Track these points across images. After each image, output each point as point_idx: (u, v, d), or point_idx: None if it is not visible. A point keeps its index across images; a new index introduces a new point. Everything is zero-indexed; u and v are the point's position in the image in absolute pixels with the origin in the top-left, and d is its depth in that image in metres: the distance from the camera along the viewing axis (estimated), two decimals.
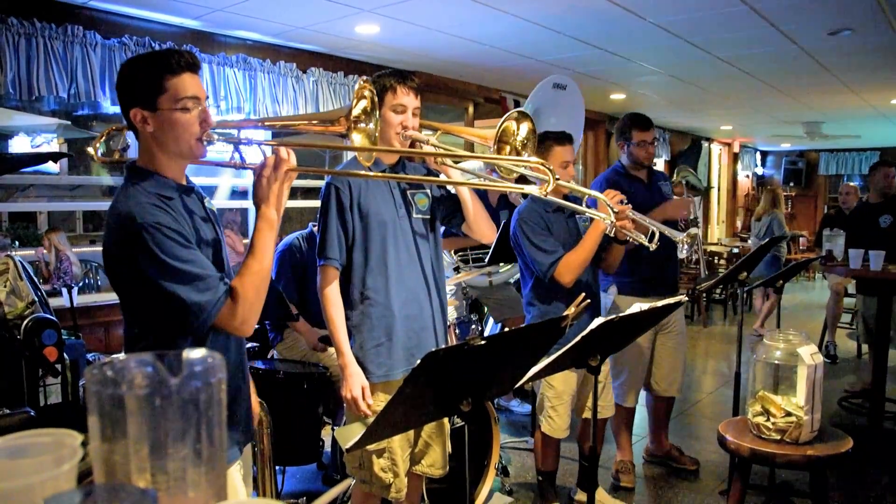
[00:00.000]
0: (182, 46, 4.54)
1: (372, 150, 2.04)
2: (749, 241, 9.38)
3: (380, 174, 2.60)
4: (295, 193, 6.37)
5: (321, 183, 2.82)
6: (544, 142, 3.32)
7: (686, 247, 3.26)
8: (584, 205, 3.19)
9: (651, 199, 3.96)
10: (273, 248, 1.88)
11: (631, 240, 3.15)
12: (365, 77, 2.02)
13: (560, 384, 3.44)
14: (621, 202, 3.06)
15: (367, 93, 1.97)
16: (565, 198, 3.21)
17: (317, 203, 2.68)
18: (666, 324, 4.07)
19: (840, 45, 5.35)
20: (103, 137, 2.23)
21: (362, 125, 1.97)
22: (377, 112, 2.02)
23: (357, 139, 1.97)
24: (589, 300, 2.41)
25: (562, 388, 3.45)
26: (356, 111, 1.94)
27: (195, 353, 0.81)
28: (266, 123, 2.45)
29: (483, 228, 2.77)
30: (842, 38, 5.10)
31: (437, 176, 2.83)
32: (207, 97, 1.89)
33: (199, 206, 1.95)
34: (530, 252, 3.32)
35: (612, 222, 2.86)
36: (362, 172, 2.31)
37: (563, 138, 3.38)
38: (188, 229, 1.82)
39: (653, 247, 3.09)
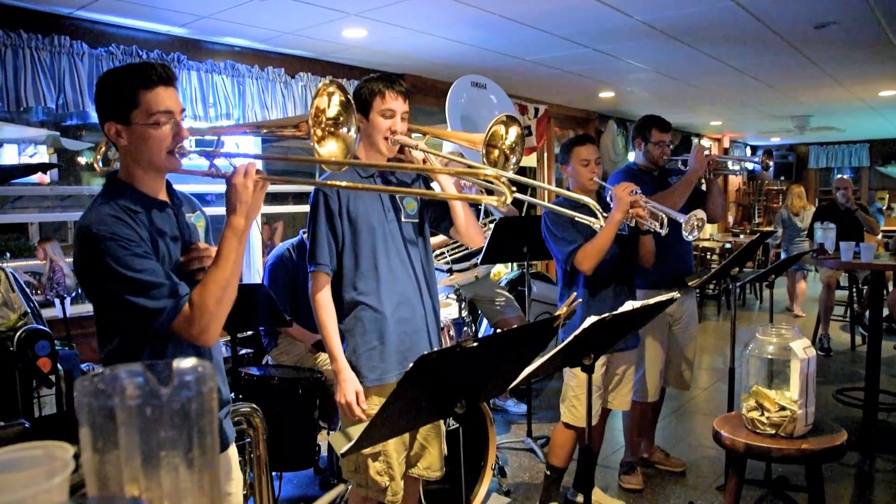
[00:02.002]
0: (170, 54, 4.54)
1: (342, 163, 2.04)
2: (779, 231, 9.41)
3: (355, 185, 2.61)
4: (286, 198, 6.36)
5: (311, 188, 2.82)
6: (566, 145, 3.57)
7: (695, 230, 3.30)
8: (606, 195, 3.40)
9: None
10: (241, 257, 1.90)
11: (647, 227, 3.27)
12: (331, 79, 2.02)
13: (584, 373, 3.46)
14: (634, 192, 3.22)
15: (332, 89, 1.98)
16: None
17: (307, 208, 2.69)
18: (679, 318, 4.08)
19: (827, 39, 5.36)
20: (102, 148, 2.26)
21: (343, 130, 1.98)
22: (352, 116, 2.03)
23: (331, 145, 1.98)
24: (580, 299, 2.42)
25: (585, 378, 3.47)
26: (330, 113, 1.96)
27: (186, 363, 0.81)
28: (237, 130, 2.49)
29: (472, 234, 2.78)
30: (828, 32, 5.12)
31: (428, 179, 2.84)
32: (184, 109, 1.91)
33: (170, 222, 1.95)
34: (553, 242, 3.47)
35: (601, 226, 2.89)
36: (341, 183, 2.29)
37: (584, 139, 3.59)
38: (148, 243, 1.83)
39: (663, 232, 3.24)
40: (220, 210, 1.89)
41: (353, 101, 2.06)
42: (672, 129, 4.18)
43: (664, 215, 3.27)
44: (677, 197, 3.83)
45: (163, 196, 1.96)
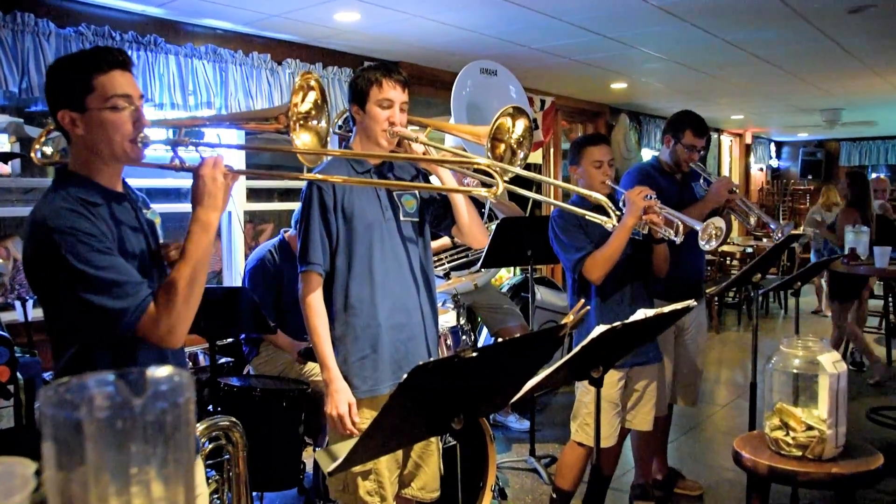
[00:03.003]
0: (145, 36, 4.53)
1: (317, 153, 2.06)
2: (807, 231, 9.40)
3: (345, 178, 2.61)
4: (272, 195, 6.35)
5: (301, 184, 2.82)
6: (578, 144, 3.56)
7: (713, 239, 3.28)
8: (619, 199, 3.35)
9: (681, 199, 3.93)
10: (209, 254, 1.90)
11: (662, 235, 3.26)
12: (308, 72, 2.04)
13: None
14: (648, 197, 3.20)
15: (312, 83, 1.99)
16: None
17: (294, 205, 2.69)
18: (686, 328, 4.07)
19: (862, 24, 5.34)
20: (43, 137, 2.23)
21: (314, 122, 1.99)
22: (326, 108, 2.04)
23: (305, 138, 1.98)
24: (588, 307, 2.42)
25: (602, 393, 3.45)
26: (304, 106, 1.97)
27: (161, 371, 0.80)
28: (206, 121, 2.48)
29: (476, 233, 2.78)
30: (864, 16, 5.08)
31: (426, 174, 2.84)
32: (143, 96, 1.91)
33: (130, 216, 1.96)
34: (561, 249, 3.46)
35: (613, 225, 2.89)
36: (317, 175, 2.30)
37: (598, 139, 3.60)
38: (110, 237, 1.83)
39: (679, 240, 3.23)
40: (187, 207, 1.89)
41: (328, 97, 2.08)
42: (709, 134, 4.14)
43: (680, 222, 3.26)
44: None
45: (120, 190, 1.97)
